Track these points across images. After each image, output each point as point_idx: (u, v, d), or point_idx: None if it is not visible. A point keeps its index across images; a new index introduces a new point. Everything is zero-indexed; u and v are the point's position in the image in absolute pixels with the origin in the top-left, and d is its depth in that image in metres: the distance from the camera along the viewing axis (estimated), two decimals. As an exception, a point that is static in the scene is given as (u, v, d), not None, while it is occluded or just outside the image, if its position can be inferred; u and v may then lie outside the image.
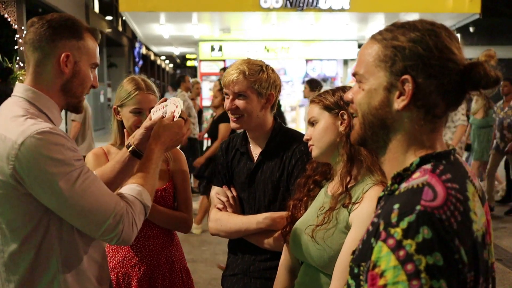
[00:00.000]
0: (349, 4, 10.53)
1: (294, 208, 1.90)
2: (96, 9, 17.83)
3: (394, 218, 0.94)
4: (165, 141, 1.75)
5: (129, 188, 1.59)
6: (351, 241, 1.59)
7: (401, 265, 0.90)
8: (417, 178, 1.01)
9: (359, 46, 15.07)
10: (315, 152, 1.79)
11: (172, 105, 1.86)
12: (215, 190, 2.24)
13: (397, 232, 0.92)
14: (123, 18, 13.61)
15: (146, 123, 1.87)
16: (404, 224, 0.92)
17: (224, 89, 2.13)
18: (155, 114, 1.90)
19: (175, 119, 1.81)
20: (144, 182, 1.62)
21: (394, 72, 1.04)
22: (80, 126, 6.45)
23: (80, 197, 1.42)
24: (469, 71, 1.02)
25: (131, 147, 1.86)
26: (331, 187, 1.80)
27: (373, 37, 1.10)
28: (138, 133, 1.88)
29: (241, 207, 2.19)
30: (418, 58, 1.02)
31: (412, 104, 1.03)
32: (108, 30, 18.23)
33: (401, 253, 0.90)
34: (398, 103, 1.04)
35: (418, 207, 0.93)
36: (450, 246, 0.91)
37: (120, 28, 21.63)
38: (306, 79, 14.91)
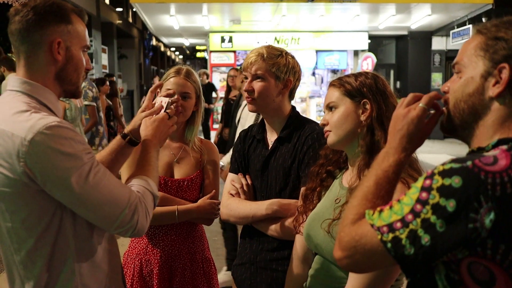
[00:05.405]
0: (360, -5, 10.46)
1: (307, 198, 1.86)
2: (107, 0, 17.85)
3: (445, 161, 1.03)
4: (155, 134, 1.76)
5: (137, 179, 1.59)
6: None
7: (419, 191, 1.02)
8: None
9: (370, 37, 14.98)
10: (331, 138, 1.72)
11: (158, 103, 1.92)
12: (230, 177, 2.27)
13: (438, 168, 1.02)
14: (134, 9, 13.63)
15: (142, 114, 1.89)
16: (447, 166, 1.01)
17: (243, 72, 2.16)
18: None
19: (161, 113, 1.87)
20: (149, 174, 1.62)
21: (493, 60, 1.10)
22: None
23: (94, 190, 1.40)
24: None
25: (128, 137, 1.88)
26: (347, 178, 1.74)
27: (478, 31, 1.16)
28: (135, 122, 1.89)
29: (254, 195, 2.21)
30: None
31: (506, 91, 1.09)
32: (119, 22, 18.25)
33: (427, 182, 1.02)
34: (493, 90, 1.10)
35: (468, 163, 1.00)
36: (471, 203, 0.96)
37: (130, 20, 21.65)
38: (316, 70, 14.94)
